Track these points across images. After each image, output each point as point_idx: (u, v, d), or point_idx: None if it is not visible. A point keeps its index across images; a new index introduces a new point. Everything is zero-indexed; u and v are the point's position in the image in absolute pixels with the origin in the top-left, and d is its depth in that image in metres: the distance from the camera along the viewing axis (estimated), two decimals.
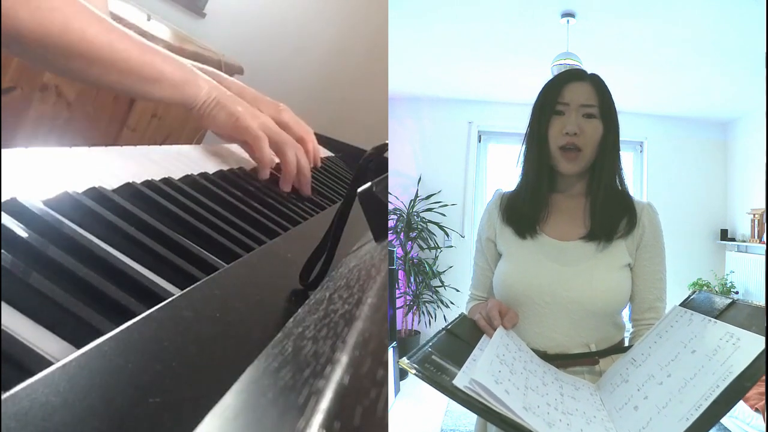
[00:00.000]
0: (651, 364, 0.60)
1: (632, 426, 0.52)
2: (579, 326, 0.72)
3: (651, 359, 0.61)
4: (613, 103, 0.75)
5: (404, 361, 0.57)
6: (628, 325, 0.78)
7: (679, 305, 0.67)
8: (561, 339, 0.72)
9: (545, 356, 0.70)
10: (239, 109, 0.89)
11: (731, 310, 0.59)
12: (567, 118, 0.73)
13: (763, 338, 0.49)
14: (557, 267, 0.73)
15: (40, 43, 0.66)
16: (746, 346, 0.49)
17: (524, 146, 0.78)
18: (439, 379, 0.54)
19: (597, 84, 0.75)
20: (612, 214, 0.74)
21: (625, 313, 0.78)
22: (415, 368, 0.55)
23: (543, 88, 0.77)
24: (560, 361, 0.71)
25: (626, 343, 0.76)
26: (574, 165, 0.73)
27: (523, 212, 0.76)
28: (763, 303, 0.58)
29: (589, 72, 0.77)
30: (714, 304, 0.62)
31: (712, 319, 0.58)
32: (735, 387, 0.47)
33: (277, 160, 0.96)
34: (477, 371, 0.52)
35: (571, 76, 0.75)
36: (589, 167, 0.75)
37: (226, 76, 1.02)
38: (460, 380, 0.52)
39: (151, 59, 0.78)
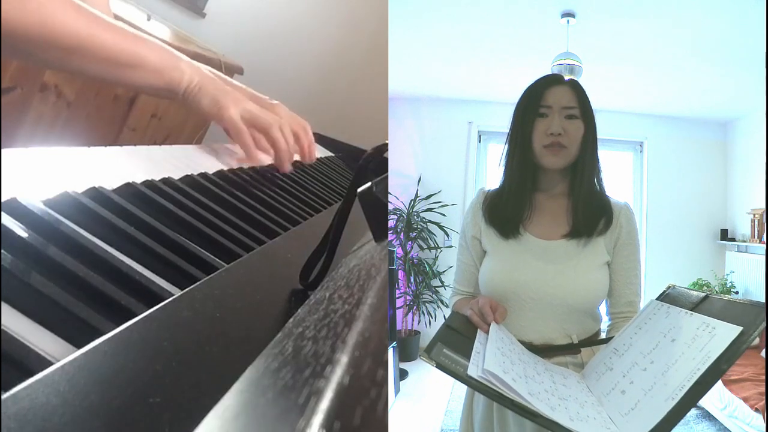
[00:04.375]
0: (633, 353, 0.64)
1: (622, 408, 0.57)
2: (562, 320, 0.77)
3: (633, 349, 0.65)
4: (591, 106, 0.79)
5: (424, 356, 0.64)
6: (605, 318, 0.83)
7: (655, 299, 0.71)
8: (546, 332, 0.77)
9: (531, 347, 0.75)
10: (222, 97, 0.89)
11: (705, 304, 0.63)
12: (550, 119, 0.76)
13: (737, 327, 0.54)
14: (542, 265, 0.77)
15: (19, 36, 0.66)
16: (721, 334, 0.55)
17: (507, 147, 0.82)
18: (455, 369, 0.60)
19: (576, 88, 0.79)
20: (592, 212, 0.78)
21: (602, 307, 0.83)
22: (435, 362, 0.62)
23: (525, 91, 0.80)
24: (546, 352, 0.76)
25: (602, 335, 0.81)
26: (559, 158, 0.77)
27: (506, 214, 0.80)
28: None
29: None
30: (689, 297, 0.67)
31: (689, 311, 0.62)
32: (714, 369, 0.52)
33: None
34: (487, 362, 0.58)
35: (551, 81, 0.79)
36: (571, 166, 0.79)
37: (223, 75, 1.03)
38: (472, 370, 0.58)
39: (133, 46, 0.77)
